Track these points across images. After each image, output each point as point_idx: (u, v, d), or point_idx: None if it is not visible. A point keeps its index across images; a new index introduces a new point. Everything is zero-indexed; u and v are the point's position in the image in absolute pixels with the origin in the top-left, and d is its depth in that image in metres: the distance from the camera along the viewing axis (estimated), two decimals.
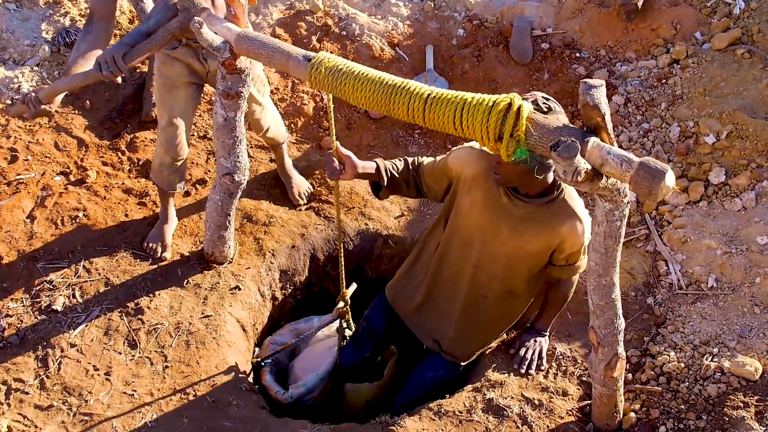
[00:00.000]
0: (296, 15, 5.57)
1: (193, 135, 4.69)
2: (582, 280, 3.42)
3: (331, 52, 5.23)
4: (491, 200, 3.02)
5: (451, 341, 3.37)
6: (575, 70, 5.20)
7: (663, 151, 4.56)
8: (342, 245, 3.46)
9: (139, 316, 3.64)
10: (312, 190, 4.49)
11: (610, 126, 2.36)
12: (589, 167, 2.29)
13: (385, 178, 3.14)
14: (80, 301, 3.69)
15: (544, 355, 3.42)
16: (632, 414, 3.21)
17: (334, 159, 2.99)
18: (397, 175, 3.18)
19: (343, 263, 3.47)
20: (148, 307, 3.67)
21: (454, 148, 3.19)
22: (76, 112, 4.73)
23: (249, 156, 4.66)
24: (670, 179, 2.16)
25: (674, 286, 3.78)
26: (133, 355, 3.47)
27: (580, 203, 3.03)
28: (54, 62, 4.98)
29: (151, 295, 3.75)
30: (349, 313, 3.66)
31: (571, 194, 3.01)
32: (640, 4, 5.25)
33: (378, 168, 3.13)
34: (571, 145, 2.21)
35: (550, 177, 2.91)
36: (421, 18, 5.65)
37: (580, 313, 3.69)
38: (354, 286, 3.68)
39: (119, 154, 4.52)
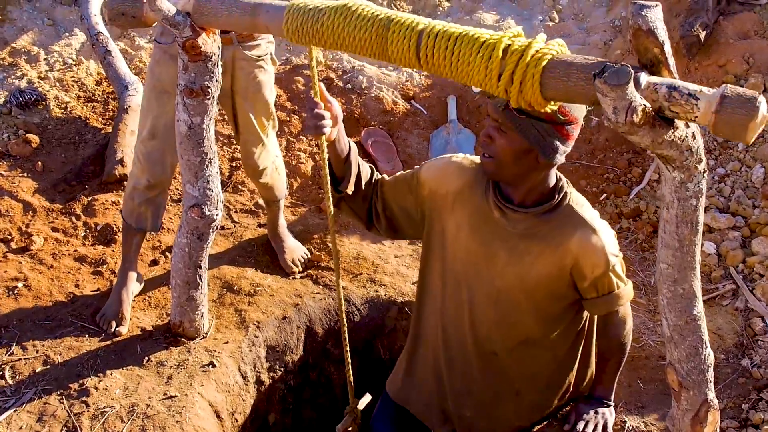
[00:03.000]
0: (292, 70, 5.52)
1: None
2: (643, 330, 3.07)
3: None
4: (480, 218, 2.69)
5: (467, 422, 3.00)
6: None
7: (746, 196, 4.30)
8: (347, 334, 3.12)
9: (83, 399, 3.33)
10: (309, 256, 4.24)
11: (671, 60, 2.09)
12: (648, 105, 2.01)
13: (353, 171, 2.76)
14: (11, 383, 3.41)
15: (609, 429, 3.00)
16: None
17: (318, 104, 2.56)
18: (362, 177, 2.83)
19: (349, 361, 3.15)
20: (96, 388, 3.37)
21: (424, 162, 2.89)
22: (25, 174, 4.59)
23: (233, 221, 4.47)
24: (764, 106, 1.88)
25: None
26: None
27: (590, 209, 2.68)
28: (3, 124, 4.89)
29: (100, 374, 3.46)
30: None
31: (577, 200, 2.67)
32: (702, 36, 5.09)
33: (350, 151, 2.76)
34: (621, 69, 1.94)
35: (552, 179, 2.61)
36: None
37: (654, 380, 3.38)
38: (368, 397, 3.29)
39: (73, 218, 4.35)
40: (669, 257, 2.34)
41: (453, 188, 2.73)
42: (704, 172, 2.24)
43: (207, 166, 3.16)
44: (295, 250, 4.22)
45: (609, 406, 3.04)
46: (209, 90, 2.95)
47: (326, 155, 2.71)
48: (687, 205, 2.25)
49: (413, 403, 3.13)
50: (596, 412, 3.02)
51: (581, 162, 4.89)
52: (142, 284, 3.92)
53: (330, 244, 4.33)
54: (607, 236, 2.65)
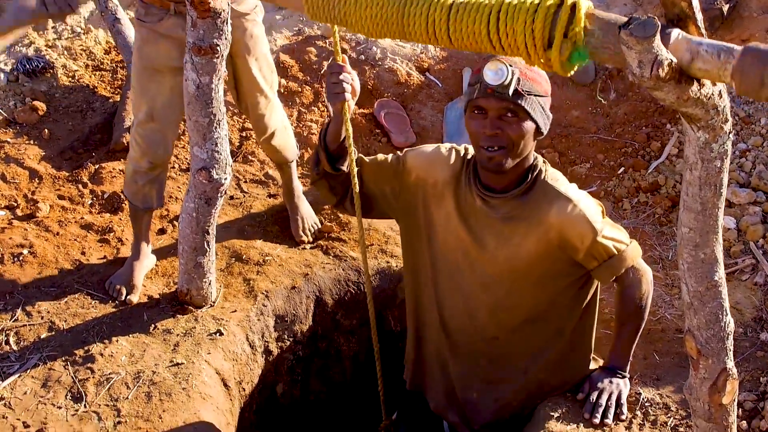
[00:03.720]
0: (305, 40, 5.46)
1: (173, 167, 4.48)
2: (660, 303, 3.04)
3: None
4: (466, 207, 2.76)
5: (474, 405, 3.02)
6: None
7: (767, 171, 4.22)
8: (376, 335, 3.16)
9: (89, 365, 3.32)
10: (320, 226, 4.20)
11: (698, 15, 2.04)
12: (674, 60, 1.96)
13: (350, 149, 2.79)
14: (15, 348, 3.39)
15: (623, 400, 2.96)
16: None
17: (345, 68, 2.60)
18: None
19: (381, 378, 3.16)
20: (101, 355, 3.36)
21: (408, 149, 2.92)
22: (31, 142, 4.57)
23: (242, 191, 4.44)
24: None
25: None
26: (76, 410, 3.12)
27: (566, 183, 2.73)
28: (10, 92, 4.86)
29: (106, 341, 3.44)
30: None
31: (553, 175, 2.73)
32: (725, 9, 5.03)
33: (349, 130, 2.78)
34: (648, 21, 1.89)
35: (532, 157, 2.68)
36: None
37: (671, 353, 3.35)
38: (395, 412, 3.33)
39: (80, 186, 4.33)
40: (691, 221, 2.30)
41: (442, 177, 2.79)
42: (730, 132, 2.19)
43: (215, 128, 3.13)
44: (307, 218, 4.18)
45: (624, 377, 3.01)
46: (218, 48, 2.91)
47: (349, 125, 2.72)
48: (711, 166, 2.20)
49: (426, 390, 3.16)
50: (611, 382, 2.98)
51: (599, 136, 4.84)
52: (155, 262, 3.90)
53: (341, 215, 4.29)
54: (585, 204, 2.69)
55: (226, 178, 3.29)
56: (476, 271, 2.80)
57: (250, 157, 4.69)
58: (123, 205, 4.21)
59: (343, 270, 3.99)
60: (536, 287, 2.81)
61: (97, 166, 4.45)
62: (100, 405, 3.14)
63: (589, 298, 2.91)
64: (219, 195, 3.33)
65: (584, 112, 4.98)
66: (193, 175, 3.26)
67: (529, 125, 2.55)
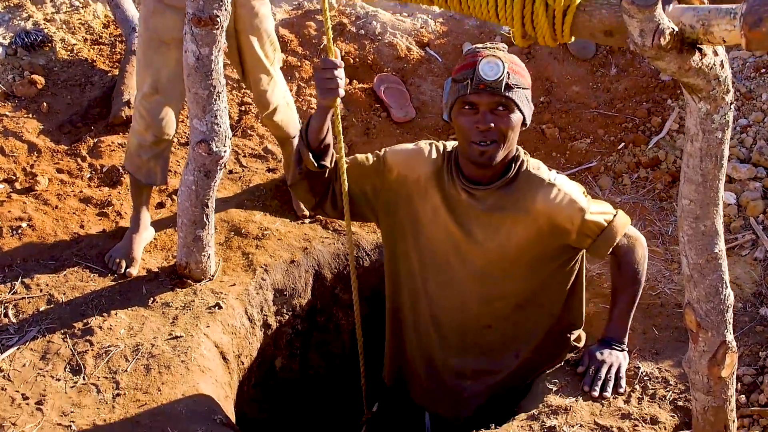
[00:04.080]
0: (304, 15, 5.45)
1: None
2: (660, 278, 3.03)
3: (347, 53, 5.06)
4: (452, 202, 2.81)
5: (467, 393, 3.07)
6: (649, 63, 4.91)
7: None
8: (358, 304, 3.17)
9: (88, 338, 3.32)
10: None
11: None
12: (675, 29, 1.95)
13: (331, 145, 2.80)
14: (14, 321, 3.39)
15: (623, 374, 2.98)
16: None
17: (338, 65, 2.60)
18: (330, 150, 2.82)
19: (363, 371, 3.22)
20: (100, 328, 3.36)
21: (387, 148, 2.94)
22: (30, 115, 4.55)
23: (242, 166, 4.44)
24: None
25: None
26: (75, 382, 3.12)
27: (546, 170, 2.80)
28: (9, 65, 4.83)
29: (105, 314, 3.45)
30: None
31: (534, 164, 2.81)
32: None
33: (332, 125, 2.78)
34: None
35: (513, 149, 2.73)
36: (456, 15, 5.45)
37: (670, 327, 3.35)
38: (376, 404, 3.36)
39: (79, 160, 4.32)
40: (691, 192, 2.30)
41: (425, 173, 2.82)
42: (731, 103, 2.19)
43: (215, 100, 3.12)
44: None
45: (623, 350, 3.02)
46: (218, 19, 2.90)
47: (339, 120, 2.77)
48: (712, 137, 2.20)
49: (410, 385, 3.19)
50: (610, 355, 2.99)
51: (599, 111, 4.83)
52: (154, 234, 3.90)
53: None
54: (568, 188, 2.76)
55: (225, 151, 3.28)
56: (467, 264, 2.83)
57: (249, 131, 4.67)
58: (122, 178, 4.21)
59: (342, 244, 3.98)
60: (527, 274, 2.85)
61: (95, 140, 4.43)
62: (99, 377, 3.15)
63: (574, 276, 2.95)
64: (218, 168, 3.32)
65: (585, 87, 4.96)
66: (193, 147, 3.25)
67: (517, 117, 2.63)
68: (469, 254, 2.82)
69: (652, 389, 2.99)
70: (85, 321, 3.39)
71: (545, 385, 3.03)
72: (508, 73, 2.57)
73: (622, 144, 4.60)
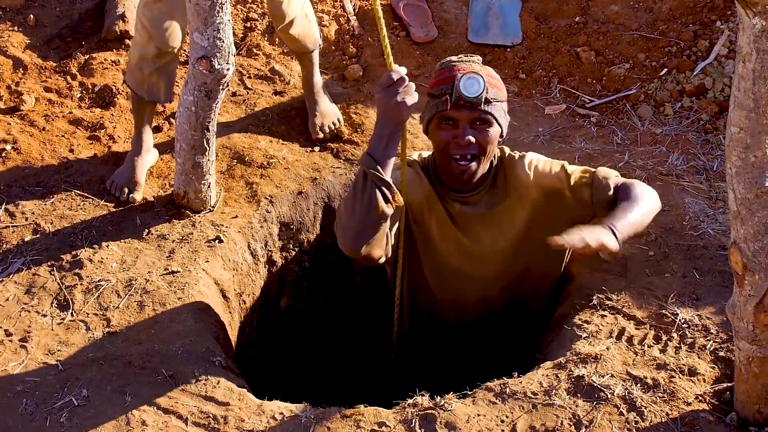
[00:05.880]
0: None
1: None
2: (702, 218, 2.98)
3: None
4: (451, 214, 3.06)
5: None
6: None
7: None
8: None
9: (76, 271, 3.34)
10: (339, 124, 4.19)
11: None
12: None
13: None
14: None
15: (608, 244, 2.62)
16: None
17: (401, 75, 2.60)
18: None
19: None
20: (90, 260, 3.38)
21: None
22: (15, 28, 4.53)
23: (246, 88, 4.41)
24: None
25: None
26: (63, 319, 3.14)
27: (517, 152, 3.08)
28: None
29: (95, 246, 3.46)
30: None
31: (508, 152, 3.08)
32: None
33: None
34: None
35: (492, 159, 2.99)
36: None
37: (713, 271, 3.31)
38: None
39: (68, 78, 4.33)
40: (742, 119, 2.24)
41: (423, 193, 3.02)
42: None
43: (218, 11, 3.07)
44: (327, 114, 4.16)
45: (615, 236, 2.69)
46: None
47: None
48: (767, 57, 2.13)
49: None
50: (590, 232, 2.67)
51: (640, 33, 4.73)
52: (158, 157, 3.88)
53: (354, 115, 4.26)
54: (536, 156, 3.06)
55: (228, 69, 3.24)
56: (482, 272, 3.12)
57: (254, 50, 4.62)
58: (115, 99, 4.19)
59: (354, 175, 3.95)
60: (540, 250, 2.90)
61: (87, 57, 4.41)
62: (88, 314, 3.15)
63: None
64: (221, 87, 3.28)
65: (624, 6, 4.86)
66: (193, 64, 3.21)
67: (496, 130, 2.86)
68: (480, 262, 3.10)
69: (691, 338, 2.97)
70: (73, 253, 3.41)
71: (573, 331, 3.02)
72: (487, 88, 2.77)
73: (665, 70, 4.52)
